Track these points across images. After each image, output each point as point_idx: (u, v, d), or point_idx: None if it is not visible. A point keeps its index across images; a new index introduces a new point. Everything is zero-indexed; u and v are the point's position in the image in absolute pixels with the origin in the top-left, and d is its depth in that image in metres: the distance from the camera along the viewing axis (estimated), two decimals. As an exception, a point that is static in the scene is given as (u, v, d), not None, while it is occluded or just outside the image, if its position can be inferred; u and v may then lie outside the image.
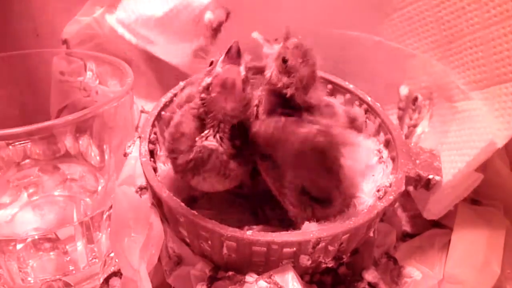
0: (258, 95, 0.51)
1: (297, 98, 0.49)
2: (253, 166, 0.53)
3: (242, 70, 0.44)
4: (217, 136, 0.47)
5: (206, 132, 0.47)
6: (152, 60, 0.81)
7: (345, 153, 0.50)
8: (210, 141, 0.47)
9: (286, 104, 0.50)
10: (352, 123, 0.56)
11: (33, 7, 0.74)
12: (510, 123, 0.52)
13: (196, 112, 0.48)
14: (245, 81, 0.45)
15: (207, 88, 0.46)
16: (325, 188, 0.51)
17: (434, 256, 0.57)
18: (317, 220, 0.51)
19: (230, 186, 0.52)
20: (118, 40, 0.76)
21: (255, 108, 0.50)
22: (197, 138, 0.47)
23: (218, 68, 0.44)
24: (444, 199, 0.57)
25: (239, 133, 0.49)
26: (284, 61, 0.48)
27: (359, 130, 0.60)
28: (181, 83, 0.62)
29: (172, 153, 0.50)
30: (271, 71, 0.49)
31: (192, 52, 0.72)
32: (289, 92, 0.48)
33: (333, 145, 0.49)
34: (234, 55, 0.44)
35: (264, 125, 0.49)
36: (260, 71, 0.52)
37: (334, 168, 0.50)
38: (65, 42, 0.76)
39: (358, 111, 0.61)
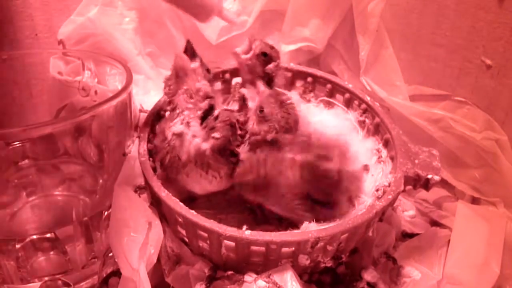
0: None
1: (279, 139, 0.52)
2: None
3: (196, 64, 0.51)
4: (184, 122, 0.50)
5: (174, 121, 0.50)
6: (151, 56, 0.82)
7: (338, 149, 0.52)
8: (178, 127, 0.50)
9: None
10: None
11: (32, 7, 0.74)
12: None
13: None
14: (199, 73, 0.51)
15: (168, 81, 0.52)
16: (327, 189, 0.51)
17: (433, 256, 0.57)
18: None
19: (219, 186, 0.53)
20: (113, 39, 0.76)
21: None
22: (166, 130, 0.50)
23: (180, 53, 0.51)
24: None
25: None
26: (260, 110, 0.53)
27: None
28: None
29: (155, 153, 0.53)
30: (252, 123, 0.53)
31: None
32: (269, 137, 0.52)
33: (320, 155, 0.51)
34: (190, 53, 0.51)
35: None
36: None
37: (329, 170, 0.51)
38: (61, 42, 0.76)
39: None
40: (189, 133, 0.50)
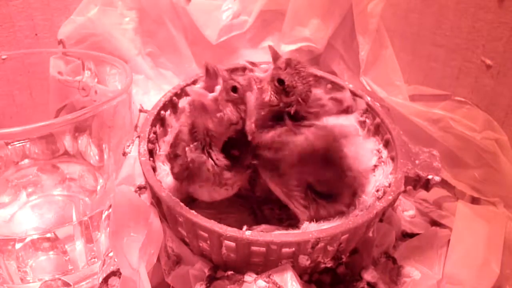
0: (253, 112, 0.52)
1: (300, 111, 0.51)
2: (252, 171, 0.54)
3: (216, 89, 0.46)
4: (205, 149, 0.48)
5: (194, 144, 0.48)
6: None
7: (347, 145, 0.52)
8: (198, 154, 0.48)
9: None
10: (340, 108, 0.57)
11: (32, 7, 0.74)
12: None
13: (188, 123, 0.49)
14: (221, 99, 0.46)
15: (190, 106, 0.48)
16: (330, 181, 0.51)
17: (433, 255, 0.57)
18: (324, 218, 0.51)
19: (228, 195, 0.53)
20: (113, 38, 0.76)
21: (253, 124, 0.52)
22: (186, 149, 0.48)
23: (195, 88, 0.46)
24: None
25: (236, 144, 0.50)
26: (281, 82, 0.51)
27: (348, 112, 0.59)
28: (181, 83, 0.62)
29: (170, 160, 0.52)
30: (269, 94, 0.51)
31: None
32: (292, 110, 0.51)
33: (333, 141, 0.50)
34: (212, 75, 0.46)
35: (264, 139, 0.50)
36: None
37: (337, 159, 0.51)
38: (60, 42, 0.76)
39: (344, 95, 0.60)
40: (209, 162, 0.48)
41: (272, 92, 0.51)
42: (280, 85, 0.51)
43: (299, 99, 0.51)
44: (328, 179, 0.51)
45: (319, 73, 0.65)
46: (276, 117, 0.52)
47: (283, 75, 0.51)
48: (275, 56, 0.52)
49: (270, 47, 0.52)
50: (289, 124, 0.51)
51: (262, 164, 0.52)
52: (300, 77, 0.51)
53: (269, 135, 0.50)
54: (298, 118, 0.52)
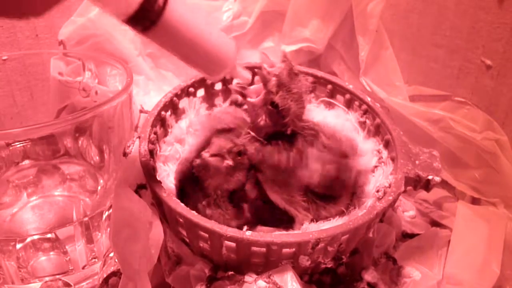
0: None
1: (294, 127, 0.52)
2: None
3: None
4: (216, 203, 0.52)
5: (207, 200, 0.52)
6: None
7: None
8: (210, 209, 0.52)
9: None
10: None
11: (33, 7, 0.74)
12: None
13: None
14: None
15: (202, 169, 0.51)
16: (331, 183, 0.51)
17: (433, 256, 0.57)
18: (325, 218, 0.51)
19: None
20: (114, 39, 0.76)
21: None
22: (199, 205, 0.52)
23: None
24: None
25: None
26: (274, 106, 0.50)
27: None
28: (181, 83, 0.62)
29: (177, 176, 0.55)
30: (264, 118, 0.52)
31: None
32: (289, 130, 0.52)
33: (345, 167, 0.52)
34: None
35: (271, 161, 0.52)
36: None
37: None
38: (61, 43, 0.76)
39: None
40: (218, 211, 0.52)
41: (267, 116, 0.52)
42: (274, 109, 0.51)
43: (296, 121, 0.52)
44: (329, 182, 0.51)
45: (320, 73, 0.66)
46: (272, 135, 0.53)
47: (275, 99, 0.50)
48: (265, 80, 0.51)
49: (259, 72, 0.52)
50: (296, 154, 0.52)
51: (262, 176, 0.52)
52: (292, 98, 0.51)
53: (277, 160, 0.51)
54: (293, 135, 0.53)
